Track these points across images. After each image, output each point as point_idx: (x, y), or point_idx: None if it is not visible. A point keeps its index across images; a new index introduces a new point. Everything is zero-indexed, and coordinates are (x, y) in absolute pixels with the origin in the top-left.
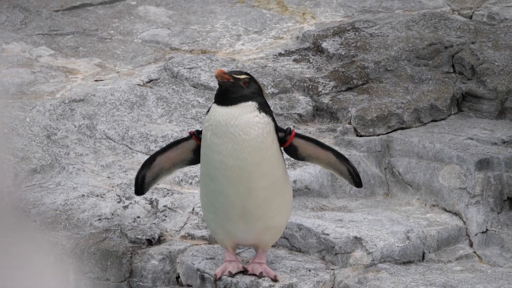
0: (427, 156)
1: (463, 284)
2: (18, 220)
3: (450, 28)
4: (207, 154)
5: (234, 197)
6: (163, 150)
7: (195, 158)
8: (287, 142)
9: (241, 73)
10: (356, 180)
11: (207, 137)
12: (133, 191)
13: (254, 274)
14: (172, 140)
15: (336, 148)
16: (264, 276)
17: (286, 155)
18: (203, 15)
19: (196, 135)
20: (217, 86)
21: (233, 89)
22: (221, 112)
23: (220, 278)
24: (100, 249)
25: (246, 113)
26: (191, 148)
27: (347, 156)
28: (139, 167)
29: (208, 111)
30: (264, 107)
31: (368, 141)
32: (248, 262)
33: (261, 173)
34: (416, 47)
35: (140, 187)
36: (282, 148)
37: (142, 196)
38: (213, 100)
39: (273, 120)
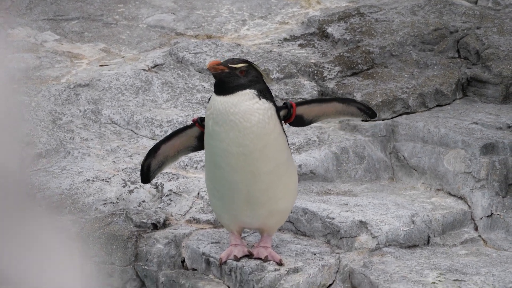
0: (432, 140)
1: (468, 267)
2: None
3: (455, 13)
4: (209, 142)
5: (238, 183)
6: (168, 138)
7: (199, 145)
8: (292, 115)
9: (238, 61)
10: (369, 113)
11: (209, 125)
12: (139, 179)
13: (259, 258)
14: (177, 126)
15: (341, 132)
16: (269, 260)
17: (290, 139)
18: (208, 0)
19: (199, 122)
20: None
21: (229, 79)
22: (220, 101)
23: (225, 262)
24: (106, 233)
25: (245, 100)
26: (195, 135)
27: (351, 141)
28: (145, 155)
29: (209, 100)
30: (264, 94)
31: (373, 126)
32: (253, 246)
33: (264, 158)
34: (421, 32)
35: (146, 175)
36: (288, 124)
37: None
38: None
39: (274, 104)
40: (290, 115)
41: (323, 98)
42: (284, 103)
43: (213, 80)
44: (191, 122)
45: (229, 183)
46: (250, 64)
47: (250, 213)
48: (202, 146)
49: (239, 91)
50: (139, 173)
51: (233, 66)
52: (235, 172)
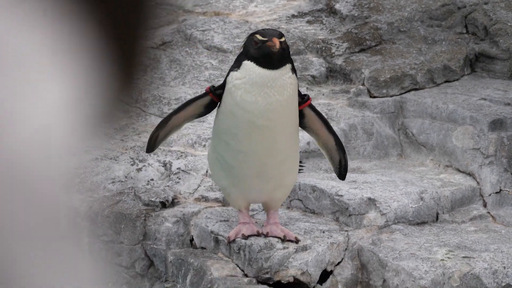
0: (441, 117)
1: (477, 244)
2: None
3: None
4: (233, 112)
5: (254, 156)
6: (179, 109)
7: (205, 112)
8: (300, 107)
9: (279, 34)
10: (342, 172)
11: (236, 94)
12: (148, 157)
13: (276, 236)
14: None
15: (350, 109)
16: (288, 240)
17: None
18: None
19: (213, 92)
20: (230, 49)
21: (279, 56)
22: (259, 73)
23: (233, 240)
24: (114, 212)
25: (283, 74)
26: (204, 104)
27: (360, 118)
28: (154, 127)
29: (238, 66)
30: (294, 68)
31: (381, 102)
32: (263, 225)
33: (285, 134)
34: (429, 8)
35: (152, 145)
36: None
37: (155, 158)
38: (246, 57)
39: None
40: (299, 105)
41: (329, 124)
42: (305, 94)
43: (221, 58)
44: (204, 91)
45: (243, 155)
46: (283, 34)
47: (258, 186)
48: (207, 112)
49: (283, 65)
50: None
51: (281, 41)
52: (254, 144)
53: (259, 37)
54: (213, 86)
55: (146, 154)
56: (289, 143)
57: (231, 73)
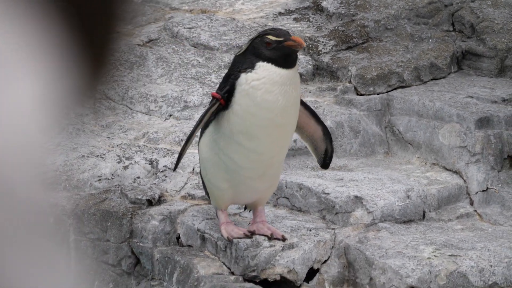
0: (427, 114)
1: (464, 242)
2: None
3: None
4: (252, 113)
5: (266, 155)
6: (199, 124)
7: (213, 118)
8: None
9: (288, 33)
10: (327, 161)
11: (256, 95)
12: (134, 155)
13: (263, 235)
14: (171, 101)
15: (337, 107)
16: (275, 238)
17: None
18: None
19: (223, 97)
20: (217, 46)
21: (296, 54)
22: (279, 73)
23: (232, 241)
24: (100, 210)
25: (296, 71)
26: (214, 111)
27: (347, 115)
28: (183, 144)
29: (251, 68)
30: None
31: (368, 100)
32: (249, 223)
33: (292, 130)
34: (416, 6)
35: (179, 163)
36: None
37: (142, 156)
38: (260, 59)
39: None
40: None
41: (318, 115)
42: None
43: (208, 55)
44: (215, 98)
45: (257, 155)
46: None
47: (257, 187)
48: (214, 118)
49: (296, 64)
50: (133, 148)
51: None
52: (270, 143)
53: (272, 38)
54: (220, 91)
55: (133, 151)
56: (291, 139)
57: (243, 75)
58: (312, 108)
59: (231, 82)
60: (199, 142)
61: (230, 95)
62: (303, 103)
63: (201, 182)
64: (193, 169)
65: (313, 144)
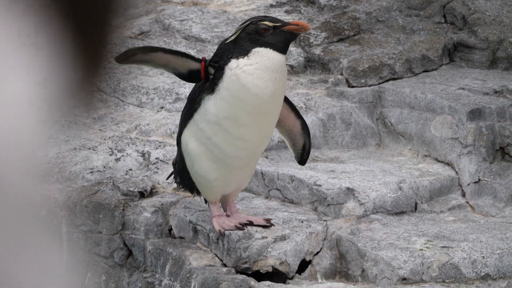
0: (419, 106)
1: (456, 234)
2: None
3: None
4: (241, 98)
5: (252, 143)
6: (169, 52)
7: (183, 75)
8: None
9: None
10: (305, 157)
11: (247, 80)
12: (126, 147)
13: (245, 224)
14: (163, 93)
15: (328, 99)
16: (255, 225)
17: None
18: None
19: (205, 65)
20: (209, 38)
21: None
22: (273, 58)
23: (224, 233)
24: (93, 202)
25: (285, 60)
26: (190, 68)
27: (338, 107)
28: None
29: (245, 54)
30: None
31: (360, 92)
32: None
33: (276, 119)
34: None
35: (124, 58)
36: None
37: (134, 148)
38: (257, 45)
39: None
40: None
41: (297, 110)
42: None
43: (200, 47)
44: (200, 58)
45: (243, 142)
46: None
47: (240, 176)
48: (185, 79)
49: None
50: (125, 141)
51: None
52: (257, 131)
53: (269, 23)
54: (207, 61)
55: (125, 144)
56: (273, 131)
57: (234, 60)
58: (303, 105)
59: (221, 66)
60: (179, 135)
61: (218, 80)
62: (286, 99)
63: (179, 180)
64: None
65: (291, 139)
